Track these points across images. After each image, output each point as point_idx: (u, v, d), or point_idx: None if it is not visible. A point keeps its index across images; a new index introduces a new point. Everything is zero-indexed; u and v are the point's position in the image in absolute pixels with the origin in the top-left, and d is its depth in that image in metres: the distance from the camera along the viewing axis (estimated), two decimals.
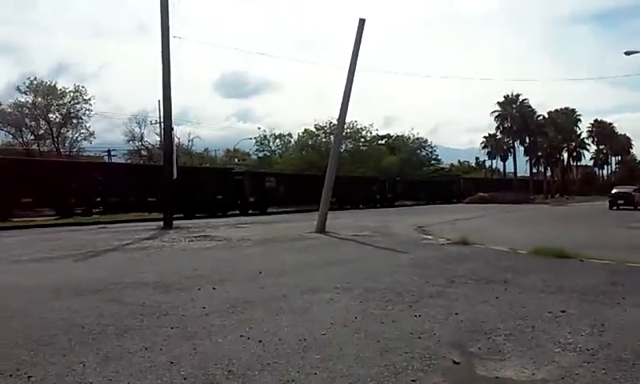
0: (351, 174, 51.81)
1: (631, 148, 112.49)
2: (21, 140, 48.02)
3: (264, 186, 38.87)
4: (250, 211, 36.30)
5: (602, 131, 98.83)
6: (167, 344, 4.44)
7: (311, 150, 60.85)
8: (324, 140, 60.12)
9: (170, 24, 20.94)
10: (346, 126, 52.23)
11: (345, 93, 17.90)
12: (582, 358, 3.99)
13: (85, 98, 48.91)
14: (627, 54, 32.10)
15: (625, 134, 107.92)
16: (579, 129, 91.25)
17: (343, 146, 56.03)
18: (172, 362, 3.95)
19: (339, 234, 15.61)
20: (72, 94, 48.50)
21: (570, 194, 79.56)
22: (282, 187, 40.22)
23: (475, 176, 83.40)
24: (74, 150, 50.10)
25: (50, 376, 3.72)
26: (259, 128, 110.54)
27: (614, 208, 34.28)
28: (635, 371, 3.67)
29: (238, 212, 35.18)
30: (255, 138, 65.31)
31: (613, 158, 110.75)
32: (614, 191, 38.02)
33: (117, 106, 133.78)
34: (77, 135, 50.20)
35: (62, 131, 49.23)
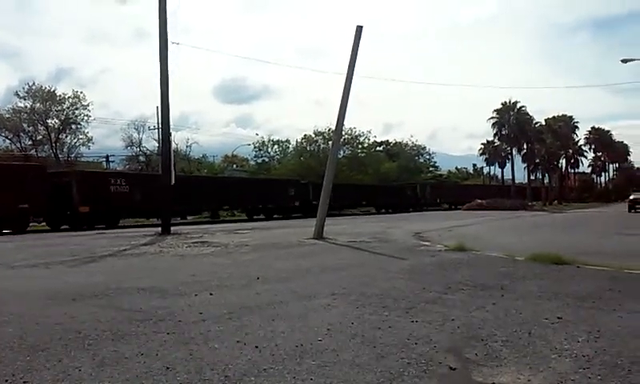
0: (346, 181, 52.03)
1: (629, 155, 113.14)
2: (19, 145, 48.03)
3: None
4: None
5: (600, 138, 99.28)
6: (163, 349, 4.44)
7: (309, 156, 60.92)
8: (322, 146, 60.24)
9: (169, 30, 21.04)
10: (344, 132, 52.49)
11: (342, 99, 17.93)
12: (578, 364, 3.99)
13: (83, 103, 49.16)
14: (624, 61, 32.31)
15: (622, 142, 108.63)
16: (577, 136, 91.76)
17: (341, 152, 56.17)
18: (168, 368, 3.95)
19: (337, 240, 15.62)
20: (71, 100, 48.73)
21: (568, 201, 79.80)
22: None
23: (475, 182, 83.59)
24: (72, 155, 50.10)
25: (45, 381, 3.71)
26: (257, 134, 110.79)
27: (632, 211, 40.32)
28: (631, 378, 3.68)
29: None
30: (254, 143, 65.43)
31: (610, 165, 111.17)
32: (632, 197, 45.01)
33: (116, 112, 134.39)
34: (75, 141, 50.28)
35: (60, 137, 49.31)
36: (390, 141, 79.48)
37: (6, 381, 3.72)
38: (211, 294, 6.94)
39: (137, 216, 32.76)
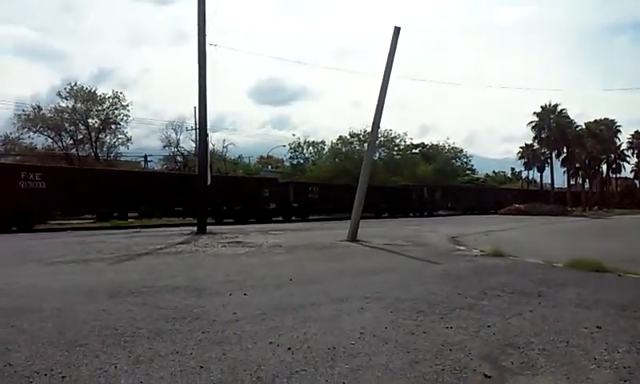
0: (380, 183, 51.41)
1: None
2: (60, 144, 49.24)
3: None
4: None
5: None
6: (197, 348, 4.48)
7: (345, 157, 60.83)
8: (358, 148, 60.09)
9: (208, 32, 21.31)
10: (380, 134, 52.31)
11: (379, 101, 17.87)
12: (618, 375, 3.88)
13: (123, 103, 50.08)
14: None
15: None
16: (619, 140, 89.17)
17: (377, 154, 55.90)
18: (202, 367, 3.99)
19: (371, 243, 15.56)
20: (111, 100, 49.69)
21: (609, 207, 77.76)
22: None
23: (512, 186, 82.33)
24: (112, 154, 51.13)
25: (82, 376, 3.79)
26: (294, 135, 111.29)
27: None
28: None
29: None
30: (289, 144, 65.63)
31: None
32: None
33: (155, 113, 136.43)
34: (115, 140, 51.28)
35: (100, 136, 50.38)
36: (426, 143, 78.88)
37: (45, 375, 3.81)
38: (245, 294, 6.98)
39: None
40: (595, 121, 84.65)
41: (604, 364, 4.14)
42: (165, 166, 55.54)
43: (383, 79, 17.77)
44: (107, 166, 42.49)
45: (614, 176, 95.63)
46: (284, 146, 66.73)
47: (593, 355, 4.35)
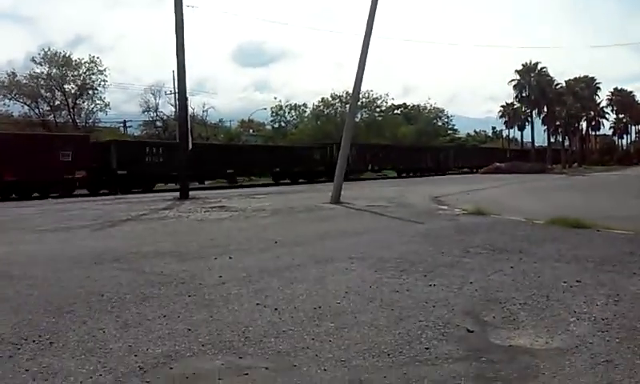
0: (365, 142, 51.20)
1: None
2: (37, 111, 48.39)
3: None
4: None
5: (622, 100, 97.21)
6: (185, 312, 4.52)
7: (326, 120, 60.59)
8: (340, 110, 59.83)
9: None
10: (361, 96, 52.09)
11: (360, 61, 17.71)
12: (596, 327, 3.99)
13: (100, 68, 49.16)
14: None
15: None
16: (598, 97, 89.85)
17: (358, 116, 55.75)
18: (189, 329, 4.03)
19: (354, 205, 15.62)
20: (87, 65, 48.73)
21: (589, 164, 78.68)
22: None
23: (493, 145, 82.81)
24: (90, 121, 50.40)
25: (71, 342, 3.82)
26: (275, 98, 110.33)
27: None
28: None
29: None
30: (271, 108, 65.12)
31: (633, 128, 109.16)
32: None
33: (134, 77, 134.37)
34: (92, 106, 50.49)
35: (77, 102, 49.52)
36: (407, 104, 78.77)
37: (34, 341, 3.83)
38: (230, 258, 7.02)
39: None
40: (575, 79, 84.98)
41: (583, 316, 4.26)
42: (144, 132, 54.94)
43: (364, 39, 17.59)
44: (86, 132, 41.90)
45: (593, 133, 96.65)
46: (265, 109, 66.26)
47: (572, 308, 4.47)
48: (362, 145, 48.09)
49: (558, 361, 3.37)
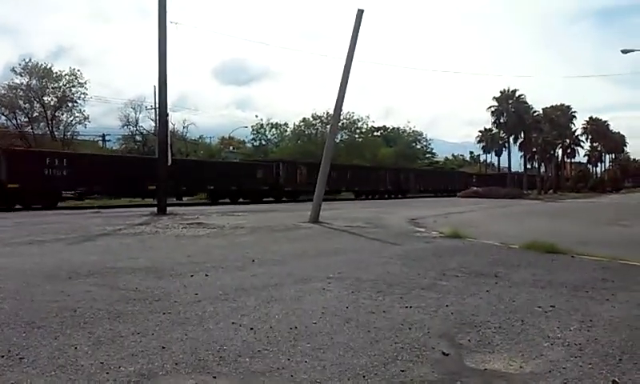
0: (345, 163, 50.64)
1: (625, 146, 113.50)
2: (14, 122, 47.74)
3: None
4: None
5: (597, 129, 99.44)
6: (159, 329, 4.46)
7: (307, 139, 60.77)
8: (320, 130, 60.08)
9: (170, 9, 20.90)
10: (342, 117, 52.36)
11: (341, 83, 17.88)
12: (570, 352, 4.03)
13: (80, 81, 48.69)
14: (624, 52, 32.23)
15: (619, 132, 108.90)
16: (574, 125, 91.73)
17: (339, 137, 56.00)
18: (163, 347, 3.98)
19: (332, 225, 15.65)
20: (67, 77, 48.26)
21: (564, 191, 79.86)
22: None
23: (471, 170, 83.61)
24: (69, 133, 49.83)
25: (41, 358, 3.74)
26: (257, 116, 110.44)
27: None
28: (622, 366, 3.72)
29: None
30: (252, 126, 65.16)
31: (607, 156, 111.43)
32: None
33: (116, 91, 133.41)
34: (71, 119, 49.92)
35: (56, 114, 48.96)
36: (387, 126, 79.43)
37: (2, 357, 3.74)
38: (207, 275, 6.97)
39: None
40: (552, 106, 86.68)
41: (557, 341, 4.29)
42: (123, 146, 54.49)
43: (346, 62, 17.78)
44: (63, 145, 41.46)
45: (568, 160, 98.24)
46: (246, 127, 66.27)
47: (547, 333, 4.51)
48: (314, 164, 44.79)
49: None
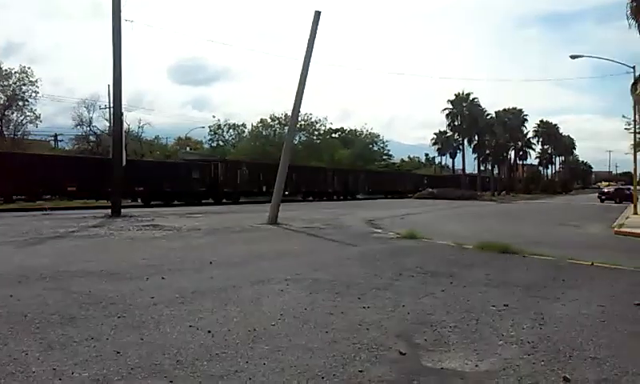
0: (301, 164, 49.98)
1: (574, 149, 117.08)
2: None
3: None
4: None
5: (548, 131, 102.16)
6: (114, 334, 4.37)
7: (265, 141, 60.51)
8: (279, 131, 59.89)
9: (124, 7, 20.50)
10: (300, 118, 52.31)
11: (299, 85, 17.89)
12: (523, 350, 4.13)
13: (31, 79, 47.25)
14: (572, 57, 33.16)
15: (569, 135, 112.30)
16: (526, 128, 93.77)
17: (297, 138, 55.94)
18: (118, 352, 3.90)
19: (291, 226, 15.63)
20: (17, 75, 46.78)
21: (516, 192, 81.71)
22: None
23: (426, 172, 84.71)
24: (19, 133, 48.33)
25: None
26: (214, 116, 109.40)
27: (600, 201, 46.72)
28: (572, 363, 3.84)
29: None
30: (209, 126, 64.50)
31: (557, 158, 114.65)
32: (603, 189, 56.58)
33: (68, 90, 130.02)
34: (22, 118, 48.40)
35: (6, 113, 47.43)
36: (345, 128, 79.75)
37: None
38: (163, 278, 6.87)
39: None
40: (504, 109, 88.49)
41: (510, 339, 4.40)
42: (76, 146, 53.14)
43: (304, 63, 17.80)
44: (13, 145, 40.19)
45: (520, 162, 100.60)
46: (203, 127, 65.56)
47: (500, 332, 4.61)
48: (257, 164, 43.23)
49: (487, 383, 3.46)
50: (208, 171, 37.57)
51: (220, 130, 64.81)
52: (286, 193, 41.99)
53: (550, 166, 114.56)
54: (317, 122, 66.37)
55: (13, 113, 47.82)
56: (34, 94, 47.63)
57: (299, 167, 45.54)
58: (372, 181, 57.91)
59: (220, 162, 40.02)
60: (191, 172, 36.55)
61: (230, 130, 65.56)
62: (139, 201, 32.05)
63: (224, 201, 36.38)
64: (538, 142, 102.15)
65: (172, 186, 34.27)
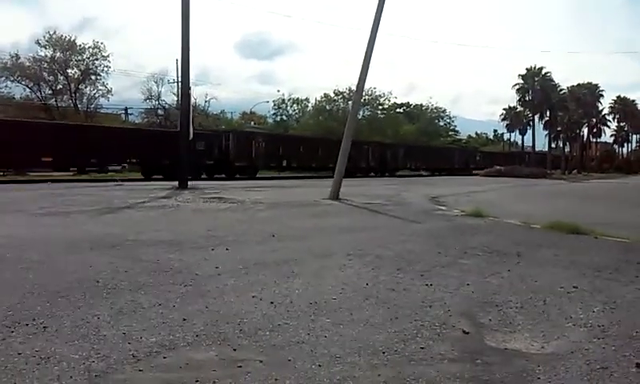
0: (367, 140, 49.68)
1: None
2: (39, 94, 48.29)
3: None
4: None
5: (624, 108, 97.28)
6: (180, 301, 4.50)
7: (328, 115, 60.50)
8: (342, 106, 59.72)
9: None
10: (365, 93, 51.94)
11: (365, 58, 17.67)
12: (592, 333, 3.98)
13: (104, 54, 49.09)
14: None
15: None
16: (601, 104, 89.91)
17: (361, 113, 55.58)
18: (184, 319, 4.01)
19: (353, 202, 15.62)
20: (91, 50, 48.64)
21: (589, 171, 78.72)
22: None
23: (493, 149, 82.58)
24: (92, 106, 50.33)
25: (64, 327, 3.79)
26: (279, 91, 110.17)
27: None
28: None
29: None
30: (273, 101, 65.06)
31: (634, 136, 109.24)
32: None
33: (138, 64, 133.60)
34: (94, 92, 50.38)
35: (80, 87, 49.46)
36: (410, 103, 78.62)
37: (27, 325, 3.80)
38: (227, 249, 7.00)
39: None
40: (578, 85, 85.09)
41: (579, 322, 4.24)
42: (145, 120, 54.83)
43: (370, 35, 17.55)
44: (87, 117, 41.83)
45: (594, 140, 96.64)
46: (267, 101, 66.23)
47: (569, 314, 4.45)
48: (275, 136, 41.48)
49: (553, 366, 3.35)
50: (216, 143, 35.04)
51: (284, 105, 65.32)
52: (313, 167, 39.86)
53: (625, 145, 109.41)
54: (381, 97, 65.76)
55: (86, 87, 49.91)
56: (106, 69, 49.53)
57: (325, 140, 43.43)
58: (414, 156, 54.46)
59: (231, 133, 37.98)
60: (196, 144, 30.36)
61: (294, 105, 65.91)
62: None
63: (237, 176, 34.31)
64: (613, 119, 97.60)
65: (171, 158, 27.87)
